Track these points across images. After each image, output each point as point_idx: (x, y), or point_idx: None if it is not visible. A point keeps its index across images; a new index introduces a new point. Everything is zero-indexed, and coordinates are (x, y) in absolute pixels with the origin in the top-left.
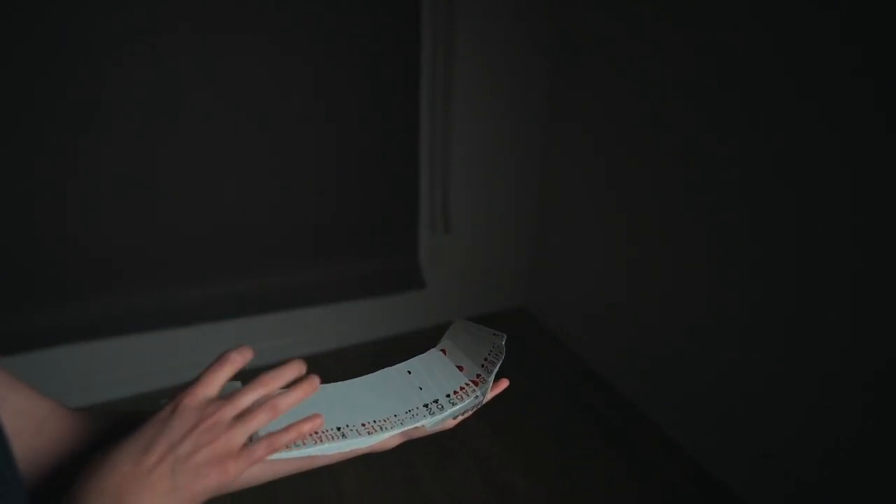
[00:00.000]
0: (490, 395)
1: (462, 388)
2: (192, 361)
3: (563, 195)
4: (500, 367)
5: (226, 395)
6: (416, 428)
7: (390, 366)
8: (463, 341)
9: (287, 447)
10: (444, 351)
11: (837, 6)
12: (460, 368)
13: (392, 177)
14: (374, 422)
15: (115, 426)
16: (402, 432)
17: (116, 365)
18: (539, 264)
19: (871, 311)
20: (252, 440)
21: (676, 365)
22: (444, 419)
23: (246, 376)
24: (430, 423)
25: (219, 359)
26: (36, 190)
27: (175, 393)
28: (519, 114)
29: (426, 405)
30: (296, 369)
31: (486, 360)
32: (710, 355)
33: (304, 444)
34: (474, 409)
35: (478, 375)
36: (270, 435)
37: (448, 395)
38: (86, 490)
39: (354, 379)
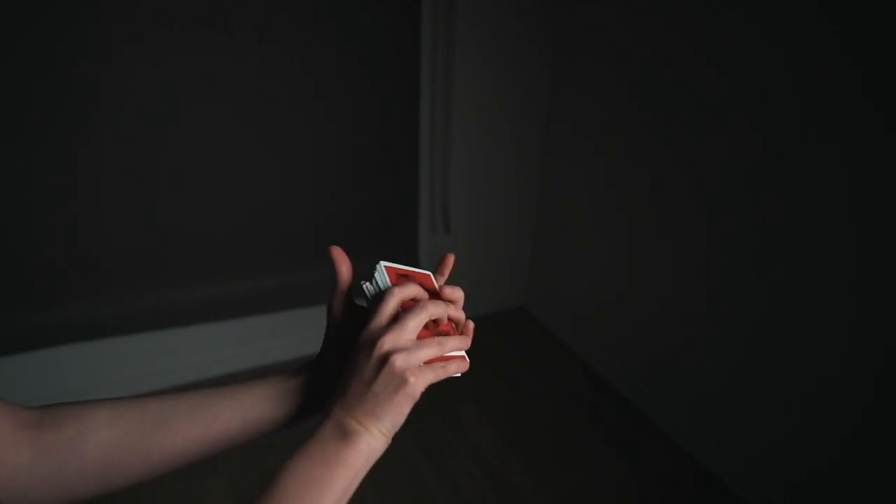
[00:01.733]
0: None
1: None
2: (191, 362)
3: (562, 195)
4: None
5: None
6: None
7: None
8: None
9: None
10: None
11: (838, 6)
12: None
13: (392, 177)
14: None
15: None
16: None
17: (116, 365)
18: (538, 264)
19: (872, 311)
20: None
21: (676, 364)
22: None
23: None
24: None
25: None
26: (35, 190)
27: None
28: (519, 114)
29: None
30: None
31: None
32: (711, 355)
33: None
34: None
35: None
36: (445, 361)
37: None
38: (319, 437)
39: None
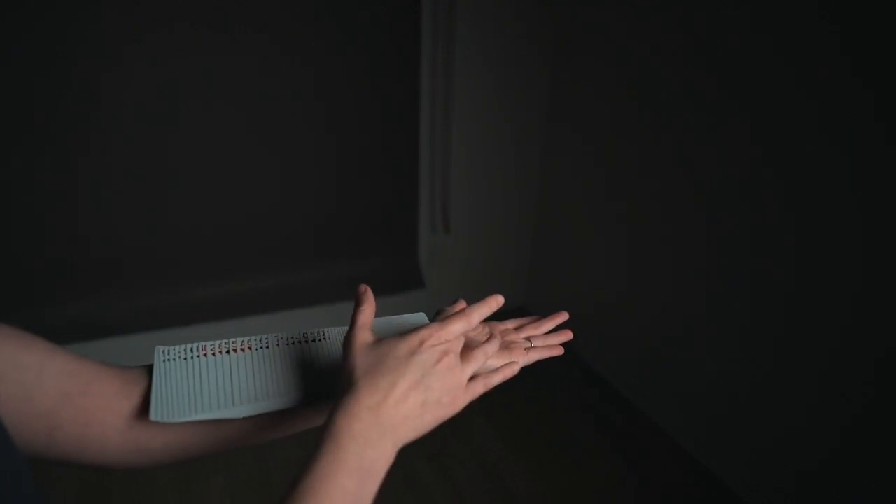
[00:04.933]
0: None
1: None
2: None
3: (562, 195)
4: None
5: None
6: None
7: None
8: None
9: (487, 388)
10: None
11: (838, 7)
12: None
13: (392, 177)
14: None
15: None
16: None
17: None
18: (538, 264)
19: (870, 310)
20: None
21: (676, 363)
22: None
23: None
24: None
25: (460, 313)
26: (36, 190)
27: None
28: (519, 114)
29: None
30: (494, 305)
31: None
32: (710, 354)
33: (220, 407)
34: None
35: None
36: (486, 375)
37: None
38: (349, 406)
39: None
